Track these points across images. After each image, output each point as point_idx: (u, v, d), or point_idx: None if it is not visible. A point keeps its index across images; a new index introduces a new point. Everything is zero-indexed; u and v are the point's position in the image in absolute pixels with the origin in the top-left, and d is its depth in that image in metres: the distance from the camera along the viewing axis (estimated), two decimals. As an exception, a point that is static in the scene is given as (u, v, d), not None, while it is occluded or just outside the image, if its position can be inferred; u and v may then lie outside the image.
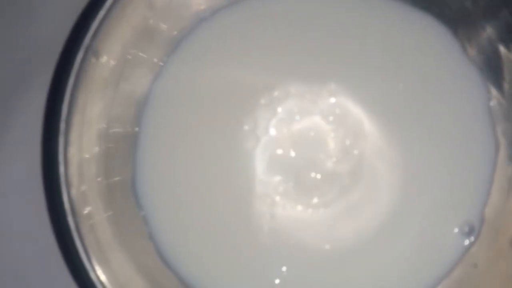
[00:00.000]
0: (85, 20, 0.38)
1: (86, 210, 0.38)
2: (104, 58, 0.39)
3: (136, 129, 0.42)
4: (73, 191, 0.37)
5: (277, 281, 0.41)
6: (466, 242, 0.40)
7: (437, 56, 0.42)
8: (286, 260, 0.42)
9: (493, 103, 0.41)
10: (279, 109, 0.42)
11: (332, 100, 0.42)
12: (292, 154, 0.42)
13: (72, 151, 0.38)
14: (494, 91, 0.41)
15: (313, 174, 0.42)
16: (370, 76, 0.42)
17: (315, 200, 0.42)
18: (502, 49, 0.41)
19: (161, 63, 0.42)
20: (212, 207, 0.42)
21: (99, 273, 0.37)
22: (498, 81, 0.41)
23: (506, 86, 0.41)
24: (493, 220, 0.41)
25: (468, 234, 0.41)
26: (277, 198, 0.42)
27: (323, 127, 0.42)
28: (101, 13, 0.38)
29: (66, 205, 0.37)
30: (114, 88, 0.40)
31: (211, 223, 0.42)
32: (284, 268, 0.41)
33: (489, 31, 0.41)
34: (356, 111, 0.42)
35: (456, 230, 0.41)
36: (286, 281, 0.41)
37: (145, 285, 0.39)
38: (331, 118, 0.42)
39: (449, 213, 0.41)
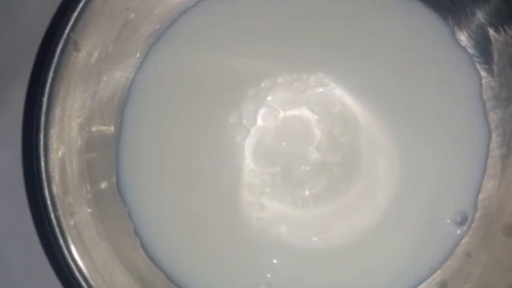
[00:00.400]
0: (65, 11, 0.37)
1: (69, 206, 0.37)
2: (84, 51, 0.38)
3: (119, 123, 0.41)
4: (55, 186, 0.37)
5: (268, 274, 0.41)
6: (459, 231, 0.40)
7: (428, 43, 0.42)
8: (276, 253, 0.41)
9: (484, 87, 0.41)
10: (267, 100, 0.42)
11: (320, 89, 0.41)
12: (281, 145, 0.41)
13: (54, 145, 0.37)
14: (484, 75, 0.41)
15: (302, 166, 0.41)
16: (359, 64, 0.41)
17: (305, 192, 0.41)
18: (492, 32, 0.40)
19: (143, 55, 0.42)
20: (199, 201, 0.41)
21: (83, 269, 0.36)
22: (488, 65, 0.41)
23: (495, 68, 0.40)
24: (486, 208, 0.40)
25: (461, 223, 0.40)
26: (267, 190, 0.41)
27: (311, 117, 0.41)
28: (81, 4, 0.37)
29: (48, 200, 0.37)
30: (95, 81, 0.40)
31: (197, 217, 0.41)
32: (275, 261, 0.41)
33: (479, 16, 0.40)
34: (345, 99, 0.41)
35: (448, 220, 0.40)
36: (277, 274, 0.41)
37: (130, 280, 0.39)
38: (318, 108, 0.41)
39: (442, 203, 0.40)
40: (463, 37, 0.41)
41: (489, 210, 0.40)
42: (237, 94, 0.41)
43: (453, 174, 0.41)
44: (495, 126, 0.41)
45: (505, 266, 0.37)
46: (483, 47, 0.41)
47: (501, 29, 0.40)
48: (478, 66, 0.41)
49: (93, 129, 0.40)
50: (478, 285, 0.38)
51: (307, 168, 0.41)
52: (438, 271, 0.40)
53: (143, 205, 0.41)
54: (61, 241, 0.36)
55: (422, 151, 0.41)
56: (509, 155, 0.40)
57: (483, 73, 0.41)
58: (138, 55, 0.42)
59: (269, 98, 0.42)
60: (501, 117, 0.40)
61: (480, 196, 0.40)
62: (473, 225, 0.40)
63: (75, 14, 0.37)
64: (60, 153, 0.38)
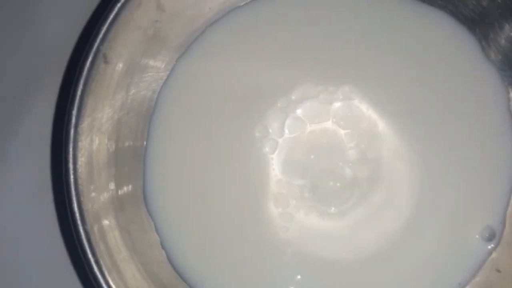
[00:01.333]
0: (94, 24, 0.38)
1: (97, 219, 0.38)
2: (113, 63, 0.39)
3: (146, 136, 0.42)
4: (83, 199, 0.37)
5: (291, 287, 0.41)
6: (488, 247, 0.40)
7: (455, 56, 0.42)
8: (301, 268, 0.41)
9: (512, 101, 0.41)
10: (295, 113, 0.42)
11: (347, 103, 0.41)
12: (309, 160, 0.42)
13: (82, 158, 0.37)
14: (512, 90, 0.41)
15: (331, 182, 0.42)
16: (386, 77, 0.42)
17: (332, 208, 0.41)
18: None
19: (170, 67, 0.42)
20: (225, 213, 0.41)
21: (111, 283, 0.37)
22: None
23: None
24: (516, 223, 0.40)
25: (489, 239, 0.40)
26: (293, 202, 0.41)
27: (338, 131, 0.41)
28: (110, 17, 0.38)
29: (76, 214, 0.37)
30: (123, 93, 0.40)
31: (224, 231, 0.41)
32: (299, 277, 0.41)
33: (507, 30, 0.40)
34: (371, 113, 0.41)
35: (477, 236, 0.40)
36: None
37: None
38: (345, 122, 0.41)
39: (470, 218, 0.40)
40: (491, 52, 0.41)
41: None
42: (265, 107, 0.42)
43: (480, 189, 0.41)
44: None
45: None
46: (511, 61, 0.41)
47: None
48: (506, 80, 0.41)
49: (121, 141, 0.40)
50: (508, 301, 0.38)
51: (337, 184, 0.41)
52: (467, 287, 0.40)
53: (170, 218, 0.41)
54: (89, 254, 0.36)
55: (449, 166, 0.41)
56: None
57: (511, 88, 0.41)
58: (165, 67, 0.42)
59: (297, 111, 0.42)
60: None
61: (508, 211, 0.40)
62: (502, 240, 0.40)
63: (104, 27, 0.37)
64: (88, 166, 0.38)
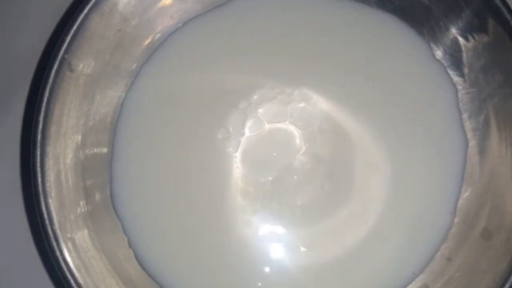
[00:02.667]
0: (59, 34, 0.40)
1: (65, 219, 0.40)
2: (78, 71, 0.41)
3: (112, 140, 0.44)
4: (51, 201, 0.39)
5: (259, 283, 0.43)
6: (439, 237, 0.42)
7: (405, 57, 0.44)
8: (268, 261, 0.43)
9: (460, 94, 0.43)
10: (256, 114, 0.44)
11: (303, 104, 0.44)
12: (270, 157, 0.44)
13: (50, 161, 0.40)
14: (459, 87, 0.44)
15: (291, 177, 0.44)
16: (340, 79, 0.44)
17: (297, 201, 0.44)
18: (464, 44, 0.43)
19: (135, 74, 0.44)
20: (191, 213, 0.43)
21: (79, 279, 0.39)
22: (462, 77, 0.44)
23: (468, 79, 0.43)
24: (465, 214, 0.43)
25: (441, 229, 0.42)
26: (259, 198, 0.44)
27: (295, 130, 0.44)
28: (74, 27, 0.40)
29: (45, 215, 0.39)
30: (89, 100, 0.42)
31: (190, 228, 0.43)
32: (267, 269, 0.43)
33: (452, 30, 0.43)
34: (328, 111, 0.44)
35: (429, 227, 0.43)
36: (268, 282, 0.43)
37: (125, 291, 0.41)
38: (302, 122, 0.44)
39: (424, 211, 0.43)
40: (438, 51, 0.44)
41: (468, 215, 0.43)
42: (226, 108, 0.44)
43: (434, 182, 0.43)
44: (471, 135, 0.43)
45: (483, 268, 0.40)
46: (457, 59, 0.44)
47: (472, 41, 0.43)
48: (454, 78, 0.44)
49: (87, 146, 0.43)
50: (457, 287, 0.41)
51: (299, 179, 0.44)
52: (420, 276, 0.42)
53: (137, 218, 0.43)
54: (57, 253, 0.39)
55: (403, 160, 0.44)
56: (485, 162, 0.43)
57: (458, 85, 0.44)
58: (129, 74, 0.44)
59: (258, 111, 0.44)
60: (475, 127, 0.43)
61: (459, 202, 0.43)
62: (453, 230, 0.42)
63: (69, 37, 0.40)
64: (56, 169, 0.40)
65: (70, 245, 0.40)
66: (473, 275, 0.40)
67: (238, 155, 0.44)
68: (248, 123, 0.44)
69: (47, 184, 0.40)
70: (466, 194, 0.43)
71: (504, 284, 0.37)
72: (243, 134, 0.44)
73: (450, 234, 0.42)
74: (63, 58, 0.40)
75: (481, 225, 0.41)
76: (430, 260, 0.42)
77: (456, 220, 0.42)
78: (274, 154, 0.44)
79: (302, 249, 0.43)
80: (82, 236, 0.41)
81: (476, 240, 0.41)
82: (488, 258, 0.40)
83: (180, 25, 0.45)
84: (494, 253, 0.40)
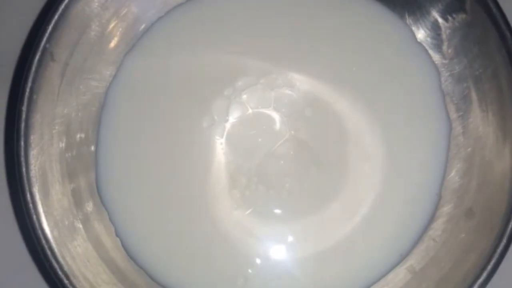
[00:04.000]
0: (41, 24, 0.41)
1: (50, 209, 0.41)
2: (61, 61, 0.42)
3: (97, 130, 0.45)
4: (36, 190, 0.40)
5: (250, 270, 0.43)
6: (426, 219, 0.43)
7: (388, 41, 0.45)
8: (256, 250, 0.44)
9: (443, 78, 0.44)
10: (240, 99, 0.45)
11: (287, 89, 0.45)
12: (255, 143, 0.45)
13: (34, 151, 0.41)
14: (441, 66, 0.45)
15: (277, 162, 0.44)
16: (323, 64, 0.45)
17: (285, 185, 0.44)
18: (444, 26, 0.44)
19: (118, 64, 0.45)
20: (178, 200, 0.44)
21: (66, 269, 0.39)
22: (445, 60, 0.44)
23: (450, 62, 0.44)
24: (449, 195, 0.43)
25: (427, 211, 0.43)
26: (245, 190, 0.44)
27: (279, 116, 0.45)
28: (55, 17, 0.41)
29: (30, 204, 0.40)
30: (72, 90, 0.43)
31: (177, 217, 0.44)
32: (258, 261, 0.44)
33: (433, 14, 0.44)
34: (311, 96, 0.45)
35: (417, 209, 0.43)
36: (259, 272, 0.43)
37: (112, 279, 0.42)
38: (286, 108, 0.45)
39: (411, 194, 0.44)
40: (419, 34, 0.45)
41: (452, 197, 0.43)
42: (211, 95, 0.45)
43: (420, 165, 0.44)
44: (455, 116, 0.44)
45: (467, 248, 0.41)
46: (437, 40, 0.45)
47: (451, 20, 0.43)
48: (436, 61, 0.45)
49: (72, 135, 0.43)
50: (443, 267, 0.41)
51: (284, 165, 0.44)
52: (407, 257, 0.43)
53: (123, 207, 0.44)
54: (43, 242, 0.40)
55: (389, 145, 0.44)
56: (468, 142, 0.44)
57: (440, 67, 0.45)
58: (113, 64, 0.45)
59: (243, 97, 0.45)
60: (458, 108, 0.44)
61: (444, 184, 0.44)
62: (438, 211, 0.43)
63: (50, 26, 0.41)
64: (40, 158, 0.41)
65: (56, 233, 0.40)
66: (458, 255, 0.41)
67: (223, 141, 0.45)
68: (233, 110, 0.45)
69: (32, 174, 0.40)
70: (450, 175, 0.44)
71: (488, 262, 0.38)
72: (227, 120, 0.45)
73: (435, 215, 0.43)
74: (45, 48, 0.41)
75: (466, 205, 0.42)
76: (417, 242, 0.43)
77: (441, 201, 0.43)
78: (259, 139, 0.45)
79: (290, 238, 0.44)
80: (68, 225, 0.42)
81: (460, 220, 0.42)
82: (473, 237, 0.41)
83: (163, 14, 0.46)
84: (478, 232, 0.41)
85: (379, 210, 0.44)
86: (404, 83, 0.45)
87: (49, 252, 0.39)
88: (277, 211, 0.44)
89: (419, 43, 0.45)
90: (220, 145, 0.45)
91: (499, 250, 0.38)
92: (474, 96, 0.43)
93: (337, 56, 0.45)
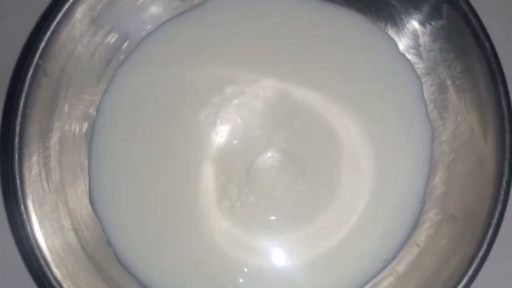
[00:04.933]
0: (34, 41, 0.43)
1: (44, 220, 0.42)
2: (53, 76, 0.44)
3: (89, 141, 0.46)
4: (30, 202, 0.42)
5: (240, 279, 0.45)
6: (410, 225, 0.44)
7: (371, 52, 0.47)
8: (246, 262, 0.45)
9: (425, 87, 0.46)
10: (228, 108, 0.46)
11: (274, 98, 0.46)
12: (243, 153, 0.46)
13: (28, 163, 0.42)
14: (423, 75, 0.46)
15: (266, 173, 0.46)
16: (309, 72, 0.46)
17: (275, 194, 0.45)
18: (421, 30, 0.46)
19: (109, 79, 0.47)
20: (169, 213, 0.45)
21: (58, 277, 0.41)
22: (426, 70, 0.46)
23: (431, 72, 0.46)
24: (432, 202, 0.45)
25: (411, 217, 0.44)
26: (238, 204, 0.46)
27: (267, 125, 0.46)
28: (48, 34, 0.42)
29: (24, 216, 0.41)
30: (65, 104, 0.45)
31: (169, 228, 0.45)
32: (245, 269, 0.45)
33: (413, 25, 0.46)
34: (299, 106, 0.46)
35: (401, 216, 0.45)
36: (249, 281, 0.45)
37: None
38: (274, 117, 0.46)
39: (391, 199, 0.45)
40: (401, 45, 0.47)
41: (435, 203, 0.45)
42: (199, 104, 0.46)
43: (404, 174, 0.45)
44: (438, 124, 0.46)
45: (449, 253, 0.42)
46: (418, 50, 0.46)
47: (429, 27, 0.45)
48: (418, 70, 0.46)
49: (64, 148, 0.45)
50: (426, 271, 0.43)
51: (270, 173, 0.46)
52: (392, 262, 0.44)
53: (116, 217, 0.45)
54: (37, 251, 0.41)
55: (376, 155, 0.45)
56: (450, 152, 0.45)
57: (422, 77, 0.46)
58: (105, 78, 0.47)
59: (232, 105, 0.46)
60: (440, 116, 0.46)
61: (428, 190, 0.45)
62: (422, 218, 0.45)
63: (42, 43, 0.42)
64: (34, 171, 0.43)
65: (49, 242, 0.42)
66: (441, 259, 0.42)
67: (211, 153, 0.46)
68: (221, 119, 0.46)
69: (26, 186, 0.42)
70: (434, 181, 0.45)
71: (469, 266, 0.39)
72: (216, 130, 0.46)
73: (419, 221, 0.44)
74: (37, 64, 0.42)
75: (449, 211, 0.44)
76: (401, 248, 0.44)
77: (425, 207, 0.45)
78: (248, 149, 0.46)
79: (280, 247, 0.45)
80: (62, 235, 0.43)
81: (443, 226, 0.43)
82: (455, 243, 0.42)
83: (153, 28, 0.47)
84: (460, 238, 0.42)
85: (366, 219, 0.45)
86: (388, 93, 0.46)
87: (42, 261, 0.41)
88: (268, 220, 0.45)
89: (402, 54, 0.46)
90: (207, 157, 0.46)
91: (480, 255, 0.39)
92: (456, 104, 0.45)
93: (322, 68, 0.47)
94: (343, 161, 0.46)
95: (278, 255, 0.45)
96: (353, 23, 0.47)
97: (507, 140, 0.41)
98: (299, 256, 0.45)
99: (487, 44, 0.42)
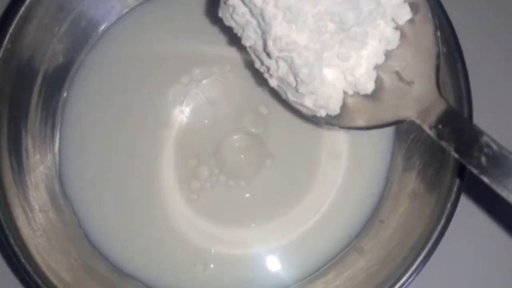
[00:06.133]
0: (2, 25, 0.44)
1: (15, 202, 0.44)
2: (22, 61, 0.45)
3: (59, 128, 0.48)
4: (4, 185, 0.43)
5: (209, 259, 0.46)
6: (374, 202, 0.46)
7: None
8: (213, 237, 0.46)
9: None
10: (196, 89, 0.48)
11: (240, 81, 0.48)
12: (211, 135, 0.47)
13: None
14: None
15: (236, 155, 0.47)
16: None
17: (241, 182, 0.47)
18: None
19: (79, 65, 0.48)
20: (138, 194, 0.47)
21: (31, 261, 0.42)
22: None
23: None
24: (394, 179, 0.46)
25: (375, 195, 0.46)
26: (206, 183, 0.47)
27: (234, 107, 0.47)
28: (16, 18, 0.44)
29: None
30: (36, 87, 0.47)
31: (135, 209, 0.47)
32: (213, 251, 0.46)
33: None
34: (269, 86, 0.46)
35: (366, 195, 0.46)
36: (218, 265, 0.46)
37: (74, 265, 0.45)
38: (240, 100, 0.48)
39: (362, 180, 0.46)
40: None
41: (397, 180, 0.46)
42: (168, 83, 0.48)
43: (372, 155, 0.47)
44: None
45: (410, 227, 0.43)
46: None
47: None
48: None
49: (35, 130, 0.47)
50: (388, 246, 0.44)
51: (239, 154, 0.47)
52: (357, 238, 0.46)
53: (86, 199, 0.47)
54: (7, 231, 0.42)
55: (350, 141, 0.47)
56: (411, 131, 0.46)
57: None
58: (75, 61, 0.48)
59: (200, 86, 0.48)
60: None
61: (390, 171, 0.47)
62: (385, 194, 0.46)
63: (11, 28, 0.43)
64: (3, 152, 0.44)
65: (21, 223, 0.43)
66: (402, 234, 0.44)
67: (180, 133, 0.47)
68: (189, 99, 0.47)
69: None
70: (395, 162, 0.46)
71: (428, 240, 0.40)
72: (183, 110, 0.47)
73: (382, 198, 0.46)
74: (6, 48, 0.43)
75: (410, 187, 0.45)
76: (365, 224, 0.46)
77: (388, 184, 0.46)
78: (216, 131, 0.47)
79: (252, 225, 0.46)
80: (32, 216, 0.44)
81: (405, 202, 0.45)
82: (415, 218, 0.43)
83: (122, 14, 0.49)
84: (419, 213, 0.43)
85: (338, 200, 0.46)
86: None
87: (12, 241, 0.42)
88: (239, 200, 0.46)
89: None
90: (177, 135, 0.47)
91: (438, 229, 0.40)
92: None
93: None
94: (312, 145, 0.47)
95: (249, 236, 0.46)
96: None
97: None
98: (270, 236, 0.46)
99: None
